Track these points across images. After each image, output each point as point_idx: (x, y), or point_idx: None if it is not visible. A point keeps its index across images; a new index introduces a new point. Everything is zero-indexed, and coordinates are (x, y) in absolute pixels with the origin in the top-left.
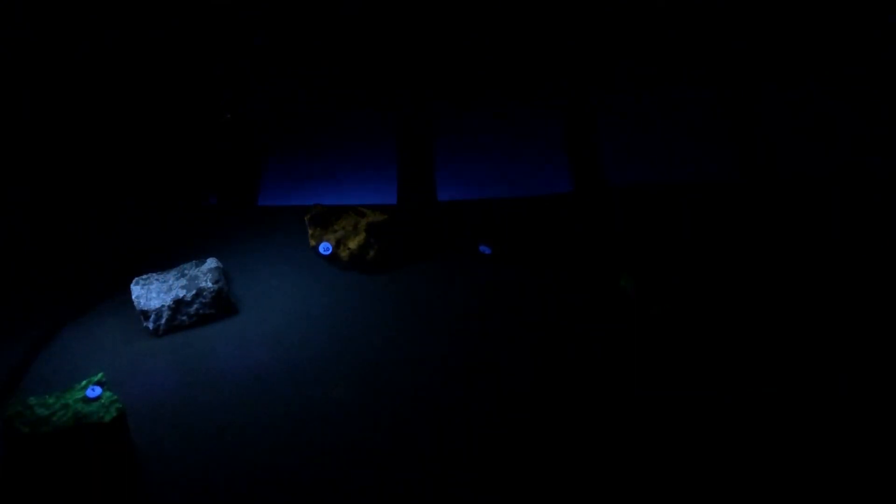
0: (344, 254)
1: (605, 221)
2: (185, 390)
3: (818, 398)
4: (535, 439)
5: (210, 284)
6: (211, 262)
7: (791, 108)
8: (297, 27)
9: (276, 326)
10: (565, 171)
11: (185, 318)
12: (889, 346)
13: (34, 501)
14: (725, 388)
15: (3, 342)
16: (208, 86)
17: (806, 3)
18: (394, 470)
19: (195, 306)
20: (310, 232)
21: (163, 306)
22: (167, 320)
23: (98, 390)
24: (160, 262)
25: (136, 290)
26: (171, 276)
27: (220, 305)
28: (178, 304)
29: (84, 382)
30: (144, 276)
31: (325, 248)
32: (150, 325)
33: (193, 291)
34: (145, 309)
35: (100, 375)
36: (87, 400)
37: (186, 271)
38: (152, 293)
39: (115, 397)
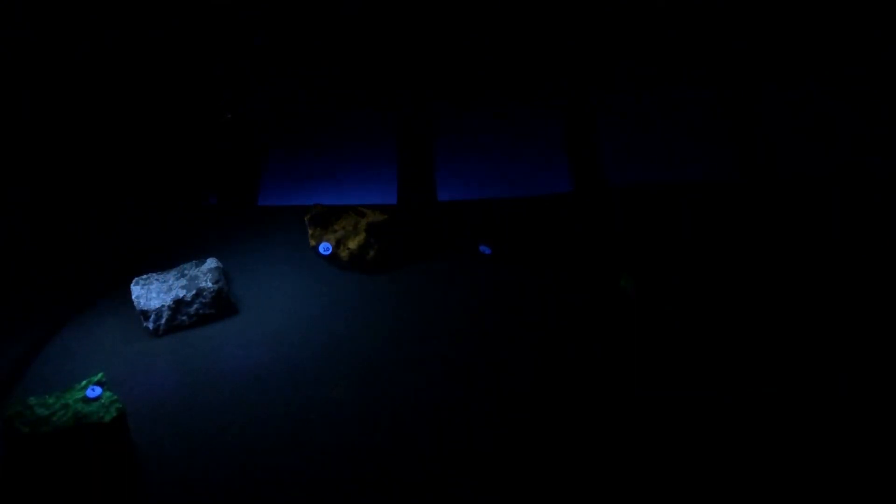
0: (344, 254)
1: (605, 221)
2: (185, 390)
3: (818, 398)
4: (536, 439)
5: (210, 284)
6: (211, 262)
7: (791, 108)
8: (297, 27)
9: (276, 326)
10: (565, 171)
11: (185, 318)
12: (889, 346)
13: (34, 501)
14: (725, 389)
15: (4, 342)
16: (208, 86)
17: (806, 3)
18: (394, 470)
19: (195, 306)
20: (310, 232)
21: (163, 306)
22: (167, 320)
23: (98, 390)
24: (160, 262)
25: (136, 290)
26: (171, 276)
27: (220, 305)
28: (178, 304)
29: (84, 382)
30: (144, 276)
31: (325, 248)
32: (150, 325)
33: (193, 291)
34: (145, 309)
35: (100, 375)
36: (87, 400)
37: (186, 271)
38: (152, 293)
39: (115, 397)
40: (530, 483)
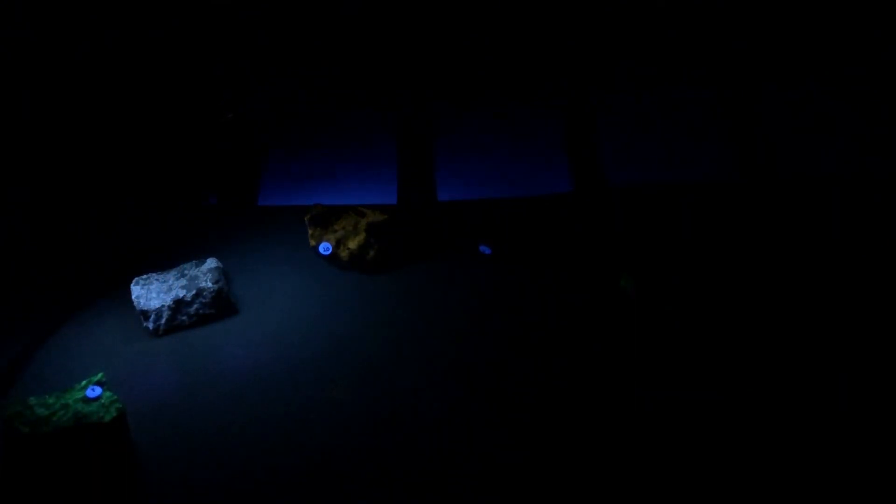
0: (344, 254)
1: (605, 221)
2: (185, 390)
3: (818, 398)
4: (536, 439)
5: (210, 284)
6: (211, 262)
7: (791, 108)
8: (297, 27)
9: (276, 326)
10: (565, 171)
11: (185, 318)
12: (889, 346)
13: (34, 501)
14: (726, 389)
15: (4, 342)
16: (208, 86)
17: (806, 3)
18: (394, 470)
19: (195, 306)
20: (310, 232)
21: (163, 306)
22: (167, 320)
23: (98, 390)
24: (160, 262)
25: (136, 290)
26: (171, 276)
27: (220, 305)
28: (178, 304)
29: (84, 382)
30: (144, 276)
31: (325, 248)
32: (150, 325)
33: (193, 291)
34: (145, 309)
35: (100, 375)
36: (87, 400)
37: (186, 271)
38: (152, 293)
39: (115, 397)
40: (531, 483)
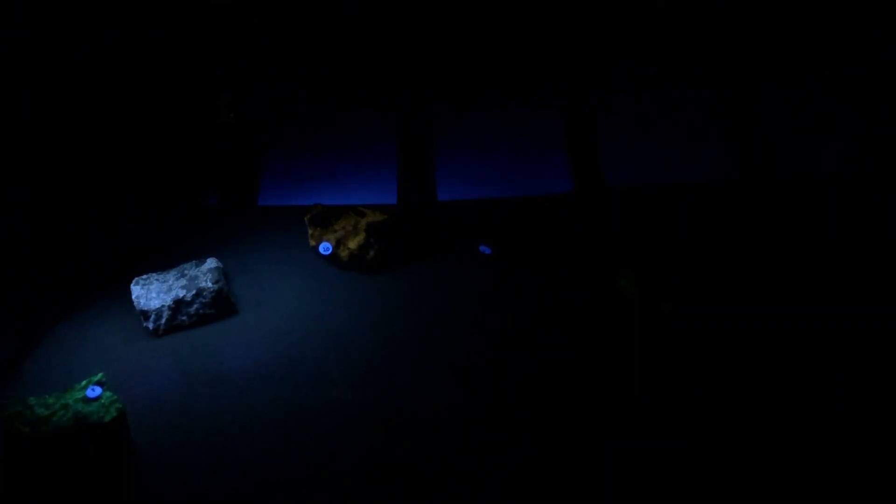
0: (344, 254)
1: (605, 221)
2: (185, 390)
3: (818, 398)
4: (536, 439)
5: (210, 284)
6: (211, 262)
7: (791, 108)
8: (297, 27)
9: (276, 326)
10: (565, 171)
11: (185, 318)
12: (889, 346)
13: (34, 501)
14: (725, 389)
15: (4, 341)
16: (208, 86)
17: (806, 3)
18: (394, 470)
19: (195, 306)
20: (310, 232)
21: (163, 306)
22: (167, 320)
23: (98, 390)
24: (160, 262)
25: (136, 290)
26: (171, 276)
27: (220, 305)
28: (178, 304)
29: (84, 382)
30: (144, 276)
31: (325, 248)
32: (150, 325)
33: (193, 291)
34: (145, 309)
35: (100, 375)
36: (87, 400)
37: (186, 271)
38: (152, 293)
39: (115, 397)
40: (531, 483)
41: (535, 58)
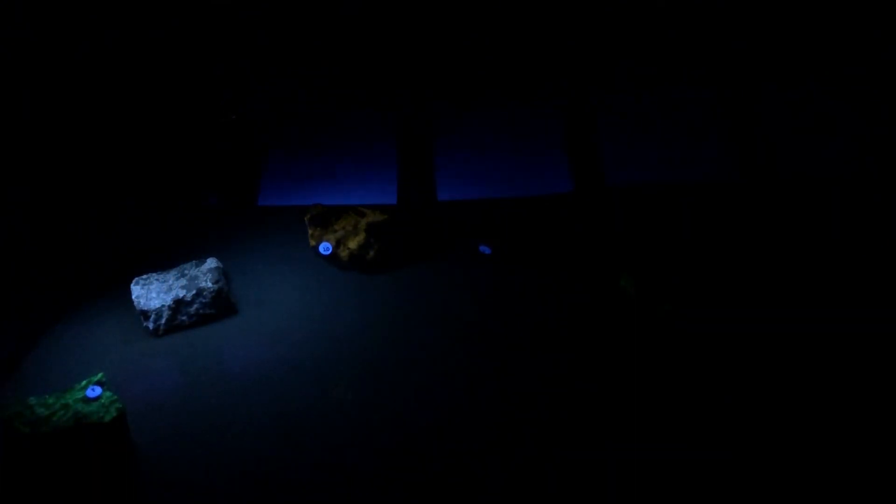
0: (344, 254)
1: (605, 221)
2: (185, 390)
3: (818, 398)
4: (536, 439)
5: (210, 284)
6: (211, 262)
7: (791, 108)
8: (297, 27)
9: (275, 326)
10: (565, 171)
11: (185, 318)
12: (889, 346)
13: (34, 501)
14: (725, 389)
15: (4, 341)
16: (208, 86)
17: (806, 3)
18: (394, 470)
19: (195, 306)
20: (310, 232)
21: (163, 306)
22: (167, 320)
23: (98, 390)
24: (160, 262)
25: (136, 290)
26: (171, 276)
27: (220, 305)
28: (178, 304)
29: (84, 382)
30: (144, 276)
31: (325, 248)
32: (150, 325)
33: (193, 291)
34: (145, 309)
35: (100, 375)
36: (87, 400)
37: (186, 271)
38: (152, 293)
39: (115, 397)
40: (531, 483)
41: (535, 58)
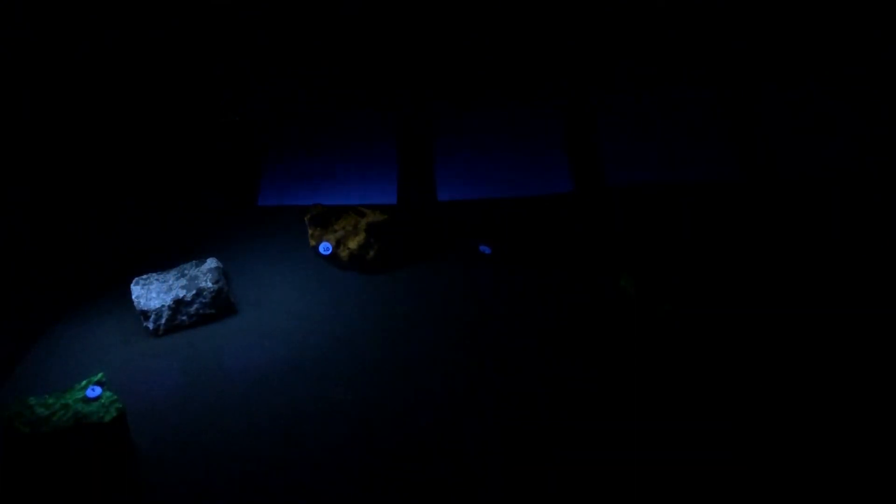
0: (344, 254)
1: (605, 221)
2: (185, 390)
3: (818, 398)
4: (536, 440)
5: (210, 284)
6: (211, 262)
7: (791, 108)
8: (297, 27)
9: (275, 326)
10: (565, 171)
11: (185, 318)
12: (889, 346)
13: (34, 501)
14: (725, 389)
15: (4, 341)
16: (208, 86)
17: (806, 3)
18: (394, 470)
19: (195, 306)
20: (310, 232)
21: (163, 306)
22: (167, 320)
23: (98, 390)
24: (160, 262)
25: (136, 290)
26: (171, 276)
27: (220, 305)
28: (178, 304)
29: (84, 382)
30: (144, 276)
31: (325, 248)
32: (150, 325)
33: (193, 291)
34: (145, 309)
35: (100, 375)
36: (87, 400)
37: (186, 271)
38: (152, 293)
39: (115, 397)
40: (531, 484)
41: (535, 58)
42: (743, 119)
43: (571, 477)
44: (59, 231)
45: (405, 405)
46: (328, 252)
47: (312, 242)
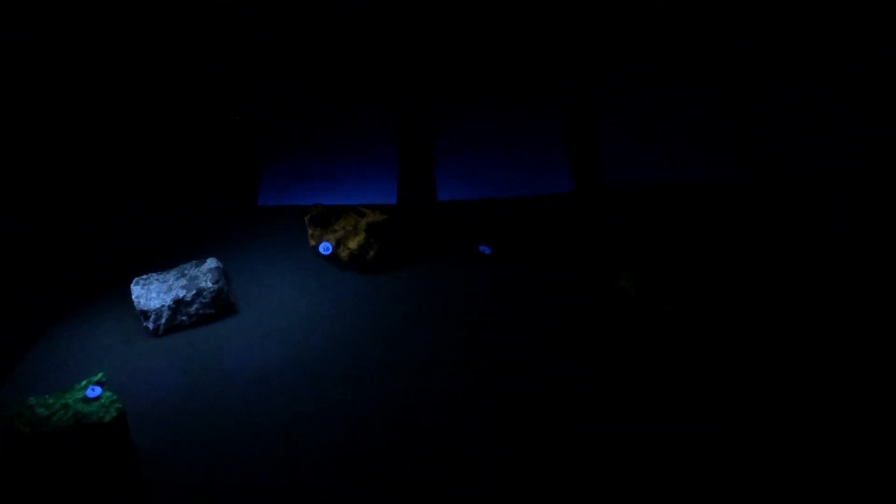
0: (344, 254)
1: (605, 221)
2: (185, 390)
3: (818, 398)
4: (536, 439)
5: (210, 284)
6: (211, 262)
7: (791, 108)
8: (297, 27)
9: (275, 326)
10: (565, 171)
11: (185, 318)
12: (889, 346)
13: (34, 501)
14: (725, 389)
15: (4, 341)
16: (208, 86)
17: (806, 3)
18: (394, 471)
19: (195, 306)
20: (310, 232)
21: (163, 306)
22: (167, 320)
23: (98, 390)
24: (160, 262)
25: (136, 290)
26: (171, 276)
27: (220, 305)
28: (178, 304)
29: (84, 382)
30: (144, 276)
31: (325, 248)
32: (150, 325)
33: (193, 291)
34: (145, 309)
35: (100, 375)
36: (87, 400)
37: (186, 271)
38: (152, 293)
39: (115, 397)
40: (531, 484)
41: (535, 58)
42: (743, 119)
43: (571, 477)
44: (59, 231)
45: (405, 405)
46: (328, 252)
47: (312, 242)
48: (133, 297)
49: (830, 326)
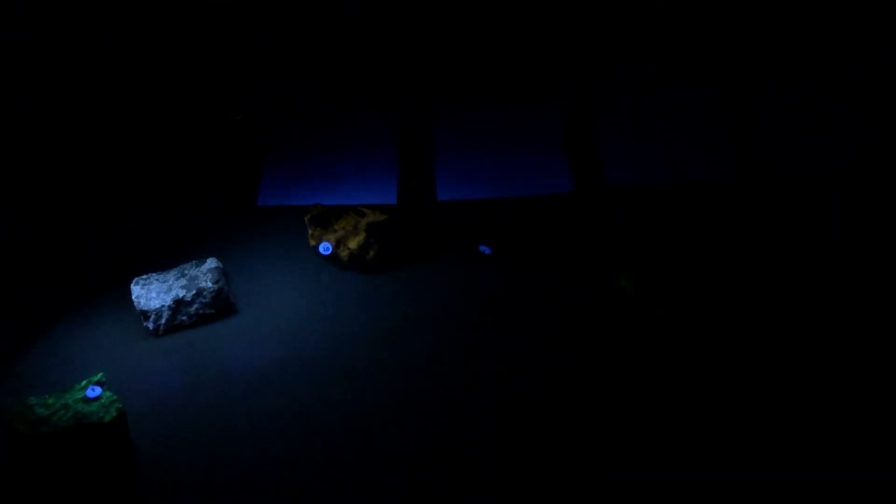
0: (344, 254)
1: (605, 221)
2: (185, 390)
3: (818, 398)
4: (536, 439)
5: (210, 284)
6: (211, 262)
7: (791, 108)
8: (297, 27)
9: (275, 326)
10: (565, 171)
11: (185, 318)
12: (889, 346)
13: (34, 501)
14: (725, 389)
15: (3, 341)
16: (208, 86)
17: (806, 3)
18: (394, 471)
19: (195, 306)
20: (310, 232)
21: (163, 306)
22: (167, 320)
23: (98, 390)
24: (160, 262)
25: (136, 290)
26: (171, 276)
27: (220, 305)
28: (178, 304)
29: (84, 382)
30: (144, 276)
31: (325, 248)
32: (150, 325)
33: (193, 291)
34: (145, 309)
35: (100, 375)
36: (87, 400)
37: (186, 271)
38: (152, 293)
39: (115, 397)
40: (531, 485)
41: (535, 58)
42: (743, 119)
43: (570, 478)
44: (59, 231)
45: (405, 405)
46: (328, 252)
47: (312, 242)
48: (133, 297)
49: (830, 326)
